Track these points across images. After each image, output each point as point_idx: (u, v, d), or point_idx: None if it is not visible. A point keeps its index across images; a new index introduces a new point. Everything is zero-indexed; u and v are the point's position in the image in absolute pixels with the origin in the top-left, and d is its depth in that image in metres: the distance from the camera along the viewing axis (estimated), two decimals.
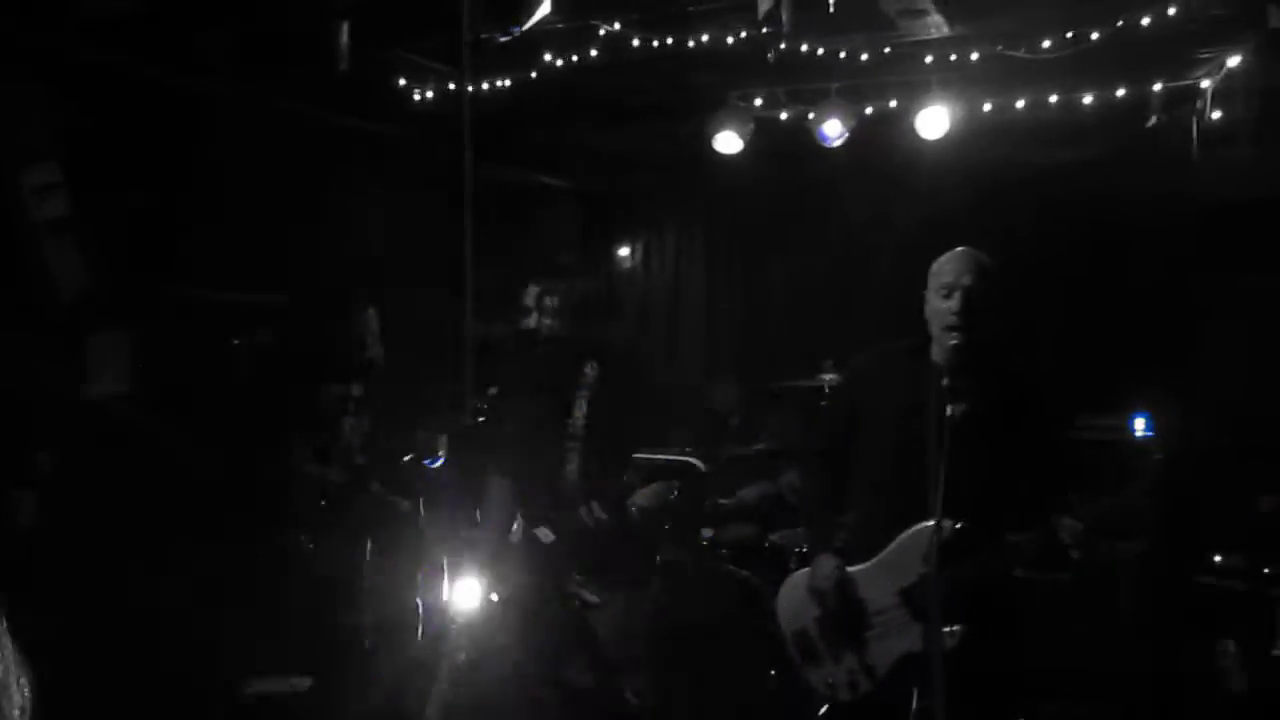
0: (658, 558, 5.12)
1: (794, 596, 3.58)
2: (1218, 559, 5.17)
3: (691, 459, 5.44)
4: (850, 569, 3.41)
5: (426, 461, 5.28)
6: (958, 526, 3.12)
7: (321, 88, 5.68)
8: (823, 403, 5.71)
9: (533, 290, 4.50)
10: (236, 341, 4.95)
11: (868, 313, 7.32)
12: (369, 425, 5.27)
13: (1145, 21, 4.85)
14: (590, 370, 4.45)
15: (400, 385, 5.43)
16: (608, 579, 4.30)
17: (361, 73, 5.24)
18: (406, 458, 5.28)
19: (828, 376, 6.01)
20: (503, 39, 4.01)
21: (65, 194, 4.85)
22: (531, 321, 4.41)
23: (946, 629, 3.08)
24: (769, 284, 7.95)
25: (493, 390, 4.54)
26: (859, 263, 7.50)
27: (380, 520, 5.14)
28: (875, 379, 3.59)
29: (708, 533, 5.60)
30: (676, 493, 4.83)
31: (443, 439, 5.28)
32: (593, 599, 4.27)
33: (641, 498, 4.36)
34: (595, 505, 4.21)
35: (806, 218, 7.71)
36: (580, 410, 4.41)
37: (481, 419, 4.93)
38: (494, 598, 4.39)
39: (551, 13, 3.95)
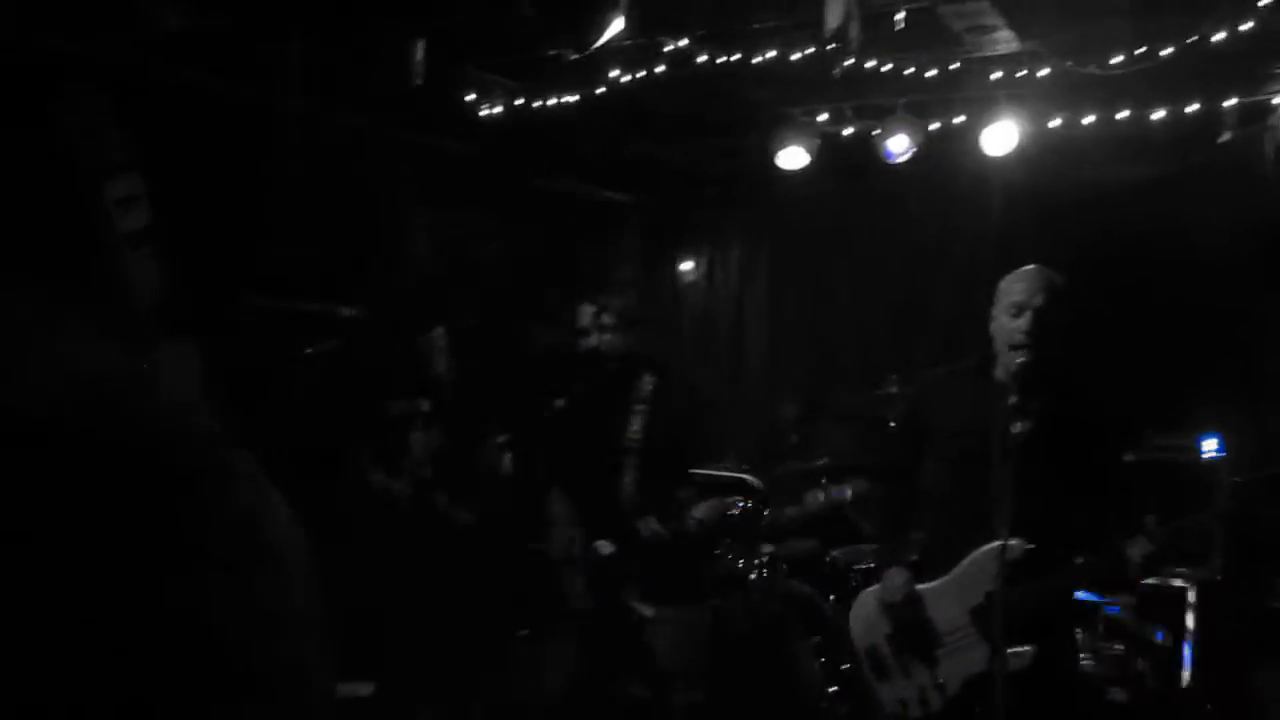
0: (716, 572, 5.13)
1: (866, 612, 3.58)
2: None
3: (747, 476, 5.44)
4: (920, 586, 3.41)
5: (492, 475, 5.33)
6: (1027, 547, 3.11)
7: (392, 102, 5.78)
8: (891, 421, 5.69)
9: (588, 310, 4.53)
10: (309, 351, 5.03)
11: (932, 329, 7.28)
12: (436, 439, 5.33)
13: (1218, 37, 4.78)
14: (647, 384, 4.48)
15: (468, 399, 5.48)
16: (665, 592, 4.31)
17: (431, 88, 5.32)
18: (472, 472, 5.33)
19: (892, 390, 5.99)
20: (574, 57, 4.06)
21: (146, 206, 4.98)
22: (591, 340, 4.44)
23: (1016, 649, 3.07)
24: (833, 300, 7.93)
25: (558, 403, 4.57)
26: (923, 279, 7.46)
27: (444, 534, 5.20)
28: (941, 397, 3.59)
29: (768, 548, 5.60)
30: (738, 509, 4.84)
31: (507, 454, 5.33)
32: (648, 613, 4.28)
33: (701, 510, 4.36)
34: (652, 520, 4.23)
35: (871, 234, 7.68)
36: (637, 424, 4.43)
37: (545, 432, 4.98)
38: (607, 550, 4.41)
39: (620, 29, 3.99)
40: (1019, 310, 3.28)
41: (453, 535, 5.11)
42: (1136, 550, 3.12)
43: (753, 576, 5.41)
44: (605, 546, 4.30)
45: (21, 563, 0.51)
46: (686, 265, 8.63)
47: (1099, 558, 3.23)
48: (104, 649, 0.52)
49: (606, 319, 4.40)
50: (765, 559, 5.52)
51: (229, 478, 0.62)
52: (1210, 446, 5.41)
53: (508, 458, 5.16)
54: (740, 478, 4.98)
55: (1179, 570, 5.00)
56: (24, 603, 0.51)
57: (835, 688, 5.11)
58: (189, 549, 0.57)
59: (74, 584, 0.51)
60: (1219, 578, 5.09)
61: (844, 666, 5.05)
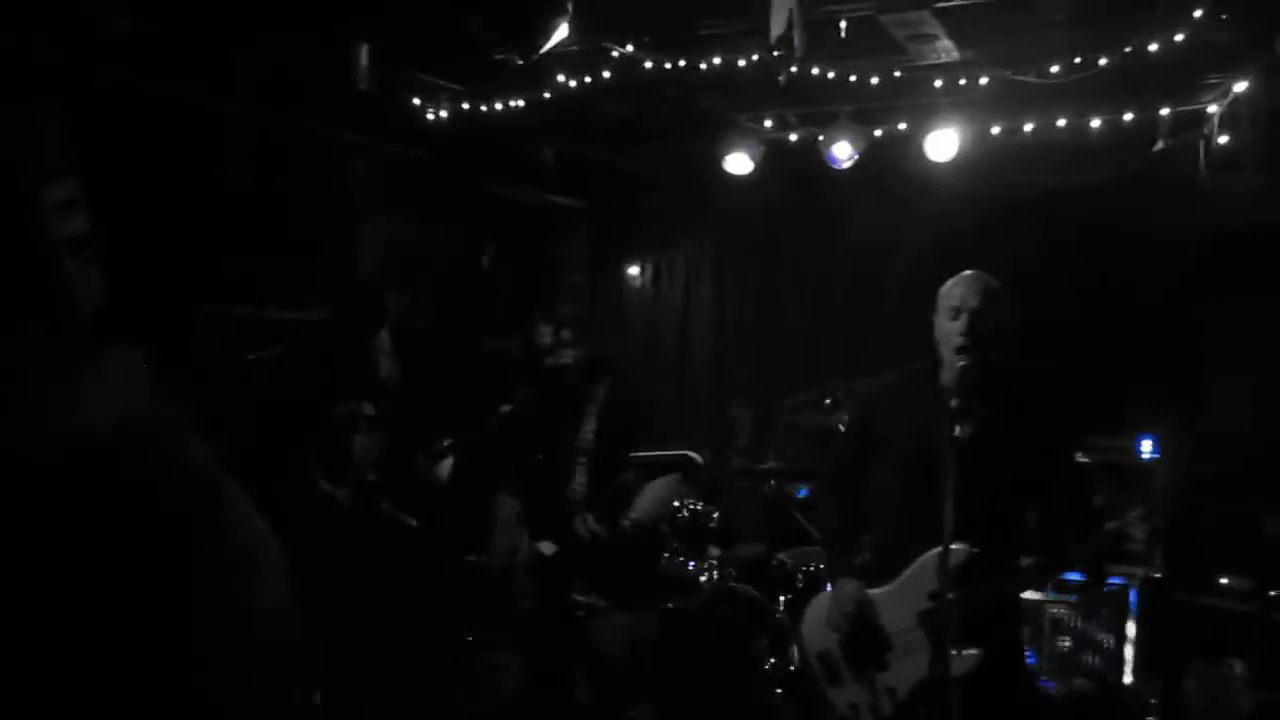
0: (662, 574, 5.15)
1: (818, 618, 3.61)
2: (1224, 581, 5.20)
3: (689, 453, 5.44)
4: (871, 591, 3.45)
5: (435, 479, 5.31)
6: (972, 551, 3.15)
7: (337, 107, 5.74)
8: (838, 426, 5.75)
9: (547, 330, 4.55)
10: (253, 357, 4.98)
11: (877, 334, 7.36)
12: (380, 443, 5.31)
13: (1153, 47, 4.89)
14: (600, 386, 4.51)
15: (412, 403, 5.46)
16: (610, 593, 4.33)
17: (376, 92, 5.30)
18: (416, 476, 5.31)
19: (838, 395, 6.05)
20: (520, 62, 4.07)
21: (85, 210, 4.91)
22: (557, 359, 4.48)
23: (962, 652, 3.11)
24: (778, 304, 7.99)
25: (505, 408, 4.58)
26: (868, 284, 7.54)
27: (388, 538, 5.17)
28: (886, 401, 3.62)
29: (716, 551, 5.63)
30: (684, 505, 4.85)
31: (448, 459, 5.32)
32: (596, 603, 4.30)
33: (636, 511, 4.38)
34: (589, 517, 4.26)
35: (816, 239, 7.75)
36: (590, 426, 4.46)
37: (491, 436, 4.97)
38: (550, 550, 4.41)
39: (566, 35, 4.00)
40: (957, 314, 3.33)
41: (396, 540, 5.09)
42: (1075, 554, 3.18)
43: (701, 579, 5.44)
44: (548, 547, 4.31)
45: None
46: (633, 270, 8.65)
47: (1043, 559, 3.29)
48: (114, 678, 0.51)
49: (565, 335, 4.44)
50: (714, 562, 5.55)
51: (227, 507, 0.60)
52: (1147, 448, 5.53)
53: (448, 463, 5.14)
54: (684, 454, 4.99)
55: (1119, 569, 5.11)
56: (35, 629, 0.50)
57: (783, 690, 5.14)
58: (194, 581, 0.56)
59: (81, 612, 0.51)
60: (1158, 576, 5.20)
61: (792, 669, 5.09)
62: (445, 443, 5.31)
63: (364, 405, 5.27)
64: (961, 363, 3.29)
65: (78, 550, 0.51)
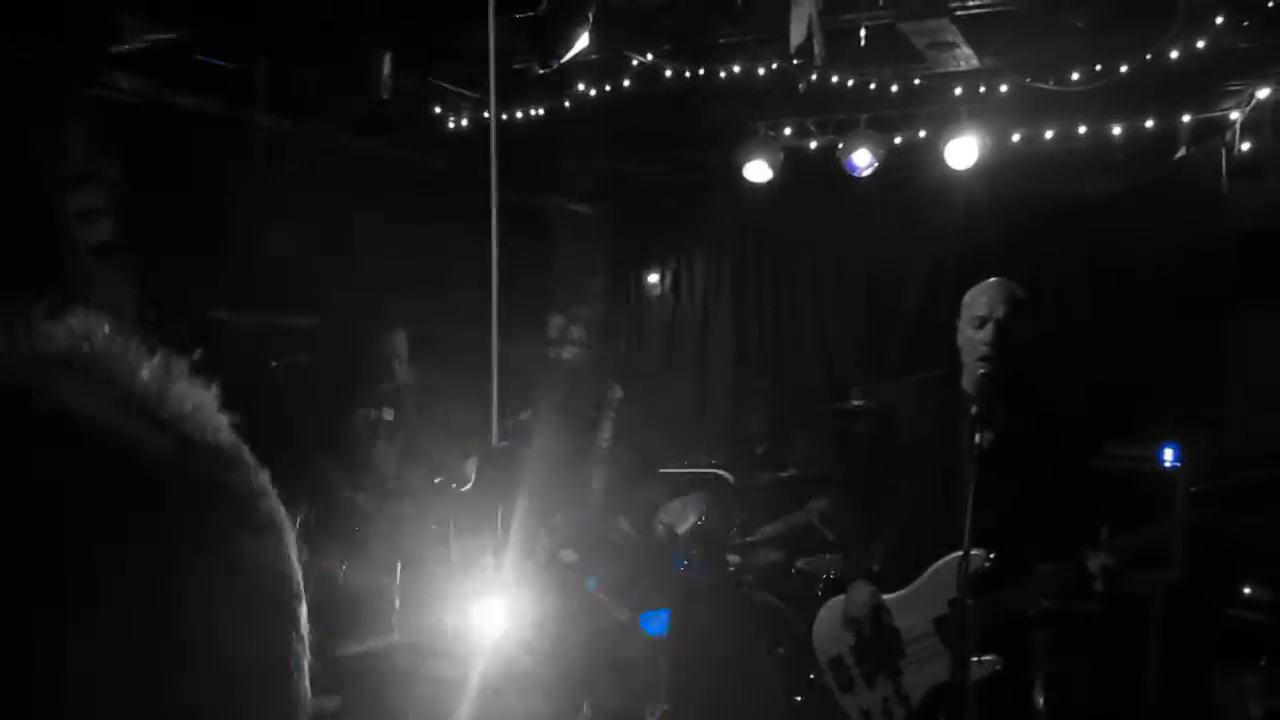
0: (685, 581, 5.14)
1: (830, 623, 3.60)
2: (1247, 591, 5.16)
3: (719, 470, 5.45)
4: (886, 596, 3.44)
5: (455, 485, 5.33)
6: (989, 557, 3.15)
7: (357, 115, 5.78)
8: (858, 432, 5.73)
9: (556, 322, 4.56)
10: (275, 363, 5.02)
11: (895, 341, 7.35)
12: (400, 449, 5.33)
13: (1174, 54, 4.88)
14: (615, 391, 4.51)
15: (432, 410, 5.49)
16: (635, 600, 4.33)
17: (396, 101, 5.33)
18: (437, 480, 5.33)
19: (856, 404, 6.03)
20: (541, 71, 4.08)
21: (109, 218, 4.97)
22: (561, 352, 4.48)
23: (979, 659, 3.11)
24: (797, 312, 7.99)
25: (523, 415, 4.59)
26: (887, 291, 7.53)
27: (410, 543, 5.19)
28: (906, 408, 3.62)
29: (734, 558, 5.62)
30: (703, 516, 4.85)
31: (472, 463, 5.34)
32: (620, 615, 4.30)
33: (669, 514, 4.38)
34: (624, 521, 4.24)
35: (835, 246, 7.75)
36: (606, 431, 4.46)
37: (508, 443, 4.98)
38: (571, 559, 4.42)
39: (587, 44, 4.02)
40: (982, 322, 3.32)
41: (417, 545, 5.11)
42: (1094, 562, 3.17)
43: (720, 587, 5.43)
44: (570, 555, 4.32)
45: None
46: (653, 277, 8.66)
47: (1061, 567, 3.27)
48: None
49: (575, 331, 4.44)
50: (732, 570, 5.55)
51: (259, 496, 0.58)
52: (1169, 456, 5.50)
53: (471, 467, 5.16)
54: (712, 471, 5.02)
55: (1141, 578, 5.07)
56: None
57: (801, 698, 5.13)
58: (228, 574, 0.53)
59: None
60: (1180, 585, 5.16)
61: (810, 677, 5.07)
62: (465, 448, 5.32)
63: (385, 411, 5.30)
64: (984, 370, 3.29)
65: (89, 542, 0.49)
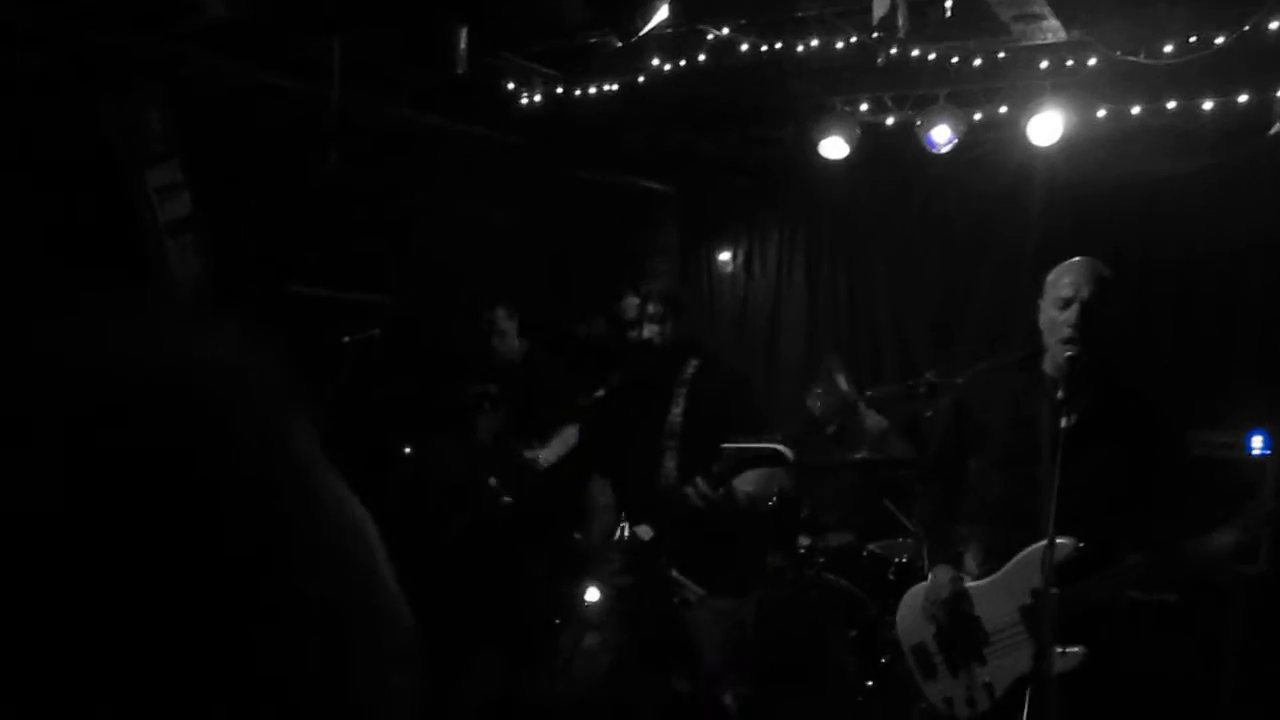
0: (758, 563, 5.09)
1: (913, 610, 3.55)
2: None
3: (780, 446, 5.38)
4: (969, 584, 3.37)
5: (539, 458, 5.35)
6: (1079, 545, 3.06)
7: (434, 91, 5.78)
8: (928, 414, 5.64)
9: (633, 302, 4.51)
10: (347, 339, 5.05)
11: (971, 323, 7.22)
12: (500, 422, 5.37)
13: (1274, 25, 4.69)
14: (690, 367, 4.45)
15: (539, 384, 5.53)
16: (710, 581, 4.27)
17: (471, 77, 5.32)
18: (525, 454, 5.36)
19: (932, 384, 5.92)
20: (619, 44, 4.04)
21: (187, 194, 5.02)
22: (641, 332, 4.42)
23: (1066, 650, 3.03)
24: (873, 291, 7.86)
25: (599, 392, 4.56)
26: (963, 272, 7.39)
27: (486, 512, 5.23)
28: (987, 391, 3.54)
29: (805, 540, 5.56)
30: (778, 492, 4.79)
31: (562, 435, 5.35)
32: (693, 593, 4.25)
33: (749, 484, 4.29)
34: (700, 481, 4.13)
35: (910, 226, 7.61)
36: (679, 407, 4.41)
37: (584, 421, 4.97)
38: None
39: (665, 17, 3.97)
40: (1066, 303, 3.22)
41: (493, 515, 5.13)
42: (1227, 538, 3.06)
43: (791, 569, 5.38)
44: (646, 532, 4.26)
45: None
46: (724, 255, 8.59)
47: (1151, 556, 3.18)
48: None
49: (653, 309, 4.38)
50: (803, 551, 5.50)
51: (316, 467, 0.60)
52: (1258, 444, 5.33)
53: (565, 443, 5.17)
54: (774, 448, 4.97)
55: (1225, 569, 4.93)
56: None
57: (872, 682, 5.08)
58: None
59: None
60: (1265, 579, 5.01)
61: (882, 661, 5.02)
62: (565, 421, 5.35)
63: (490, 386, 5.33)
64: (1070, 353, 3.20)
65: (180, 487, 0.51)
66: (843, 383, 5.61)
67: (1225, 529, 3.19)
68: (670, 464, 4.33)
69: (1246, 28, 4.69)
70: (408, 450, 5.54)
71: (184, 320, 0.60)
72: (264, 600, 0.52)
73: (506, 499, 5.16)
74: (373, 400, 5.06)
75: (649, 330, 4.36)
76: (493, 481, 5.13)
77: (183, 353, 0.56)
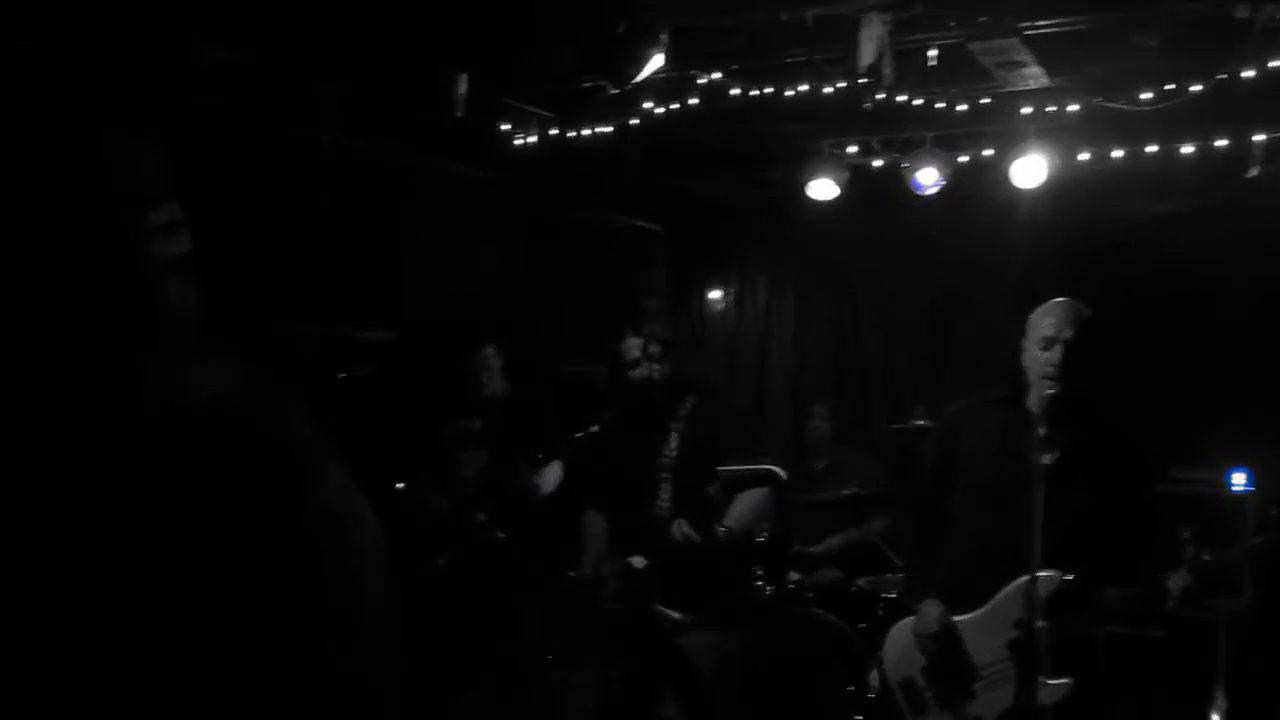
0: (746, 596, 5.14)
1: (901, 643, 3.59)
2: None
3: (773, 467, 5.45)
4: (957, 619, 3.43)
5: (532, 492, 5.37)
6: (1066, 579, 3.13)
7: (426, 132, 5.86)
8: (919, 451, 5.72)
9: (634, 343, 4.60)
10: (342, 376, 5.09)
11: (958, 361, 7.31)
12: (484, 459, 5.40)
13: (1247, 74, 4.82)
14: (687, 404, 4.55)
15: (516, 421, 5.56)
16: (698, 610, 4.33)
17: (469, 119, 5.41)
18: (512, 490, 5.38)
19: (919, 423, 6.01)
20: (614, 91, 4.14)
21: (186, 232, 5.08)
22: (642, 372, 4.53)
23: (1053, 682, 3.08)
24: (860, 331, 7.96)
25: (594, 428, 4.63)
26: (949, 311, 7.49)
27: (477, 549, 5.25)
28: (972, 427, 3.61)
29: (795, 575, 5.61)
30: (768, 524, 4.85)
31: (550, 471, 5.39)
32: (681, 617, 4.31)
33: (732, 519, 4.38)
34: (683, 523, 4.25)
35: (898, 266, 7.72)
36: (674, 442, 4.50)
37: (577, 455, 5.02)
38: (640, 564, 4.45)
39: (660, 65, 4.07)
40: (1049, 343, 3.31)
41: (489, 554, 5.16)
42: (1175, 583, 3.14)
43: (779, 604, 5.42)
44: (639, 561, 4.33)
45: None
46: (714, 295, 8.68)
47: (1136, 590, 3.25)
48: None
49: (653, 349, 4.49)
50: (792, 587, 5.54)
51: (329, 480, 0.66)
52: (1239, 480, 5.41)
53: (550, 476, 5.21)
54: (767, 469, 5.03)
55: (1210, 604, 5.00)
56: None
57: (860, 717, 5.11)
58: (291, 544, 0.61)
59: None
60: (1248, 613, 5.08)
61: (869, 695, 5.05)
62: (552, 458, 5.37)
63: (473, 421, 5.37)
64: (1051, 390, 3.28)
65: (186, 515, 0.57)
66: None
67: (1213, 561, 3.26)
68: (664, 495, 4.42)
69: (1222, 76, 4.82)
70: (400, 486, 5.56)
71: (217, 356, 0.67)
72: (299, 600, 0.59)
73: (500, 535, 5.19)
74: (365, 436, 5.09)
75: (650, 370, 4.47)
76: (481, 517, 5.17)
77: (231, 385, 0.62)
